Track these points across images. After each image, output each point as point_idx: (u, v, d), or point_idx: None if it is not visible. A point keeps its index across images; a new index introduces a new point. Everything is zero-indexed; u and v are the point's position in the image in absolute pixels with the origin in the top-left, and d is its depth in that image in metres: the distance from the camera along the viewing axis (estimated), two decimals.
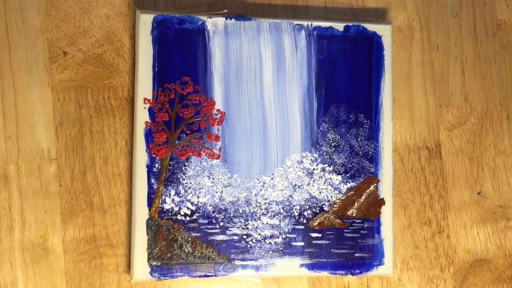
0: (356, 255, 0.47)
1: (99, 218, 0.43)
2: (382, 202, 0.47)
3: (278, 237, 0.46)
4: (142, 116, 0.45)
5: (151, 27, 0.45)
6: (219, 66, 0.45)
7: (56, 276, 0.42)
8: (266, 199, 0.46)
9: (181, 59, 0.45)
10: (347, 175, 0.48)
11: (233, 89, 0.45)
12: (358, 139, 0.48)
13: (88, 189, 0.43)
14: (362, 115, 0.47)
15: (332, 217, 0.47)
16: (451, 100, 0.42)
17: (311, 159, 0.47)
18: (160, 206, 0.44)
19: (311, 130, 0.47)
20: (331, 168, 0.47)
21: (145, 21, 0.45)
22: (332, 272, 0.46)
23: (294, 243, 0.47)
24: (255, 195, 0.46)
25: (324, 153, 0.47)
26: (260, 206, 0.46)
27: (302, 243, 0.47)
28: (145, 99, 0.45)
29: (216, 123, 0.46)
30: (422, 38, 0.42)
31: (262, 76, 0.46)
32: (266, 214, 0.46)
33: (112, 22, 0.45)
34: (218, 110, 0.46)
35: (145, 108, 0.45)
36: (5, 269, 0.41)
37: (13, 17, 0.42)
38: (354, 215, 0.47)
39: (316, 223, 0.47)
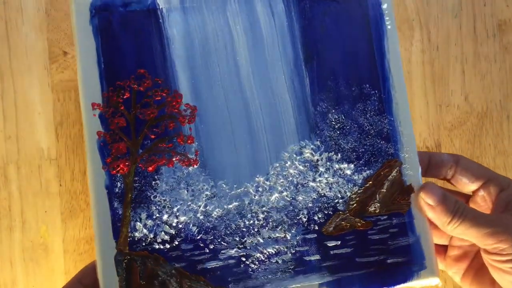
0: (389, 261, 0.47)
1: None
2: (410, 189, 0.48)
3: (286, 253, 0.46)
4: (92, 126, 0.44)
5: (89, 16, 0.47)
6: (180, 51, 0.46)
7: (56, 276, 0.48)
8: (263, 206, 0.46)
9: (132, 48, 0.46)
10: (361, 161, 0.48)
11: (201, 76, 0.42)
12: (367, 116, 0.48)
13: (88, 189, 0.47)
14: (368, 86, 0.48)
15: (351, 217, 0.47)
16: (451, 100, 0.49)
17: (312, 149, 0.48)
18: (130, 235, 0.44)
19: (306, 112, 0.47)
20: (339, 156, 0.48)
21: (81, 8, 0.46)
22: None
23: (307, 258, 0.46)
24: (249, 203, 0.46)
25: (328, 138, 0.48)
26: (257, 217, 0.46)
27: (317, 256, 0.46)
28: (93, 104, 0.45)
29: (186, 121, 0.46)
30: (422, 38, 0.50)
31: (235, 55, 0.46)
32: (266, 226, 0.46)
33: None
34: (187, 104, 0.46)
35: (94, 115, 0.45)
36: (5, 269, 0.48)
37: (13, 17, 0.49)
38: (377, 211, 0.48)
39: (332, 228, 0.47)
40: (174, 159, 0.42)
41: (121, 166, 0.42)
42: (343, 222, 0.43)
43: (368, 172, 0.44)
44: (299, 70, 0.44)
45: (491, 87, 0.51)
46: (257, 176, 0.43)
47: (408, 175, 0.44)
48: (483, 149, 0.51)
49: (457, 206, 0.42)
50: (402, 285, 0.43)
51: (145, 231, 0.42)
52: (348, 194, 0.44)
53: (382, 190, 0.44)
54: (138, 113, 0.42)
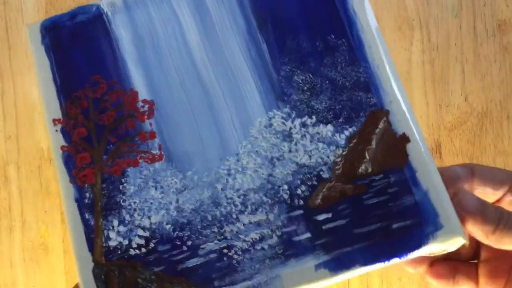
0: (395, 226, 0.40)
1: None
2: (405, 138, 0.41)
3: (271, 237, 0.41)
4: (56, 142, 0.44)
5: (40, 37, 0.48)
6: (130, 48, 0.45)
7: (56, 276, 0.49)
8: (238, 190, 0.42)
9: (84, 58, 0.46)
10: (340, 120, 0.42)
11: (155, 70, 0.41)
12: (338, 68, 0.43)
13: None
14: (333, 36, 0.43)
15: (338, 184, 0.42)
16: (451, 100, 0.49)
17: (282, 117, 0.43)
18: (104, 245, 0.42)
19: (270, 81, 0.43)
20: (313, 119, 0.43)
21: (33, 32, 0.47)
22: (367, 263, 0.39)
23: (296, 238, 0.41)
24: (222, 189, 0.42)
25: (298, 103, 0.43)
26: (233, 203, 0.42)
27: (308, 235, 0.40)
28: (54, 120, 0.45)
29: (145, 117, 0.44)
30: (422, 38, 0.50)
31: (186, 40, 0.44)
32: (245, 211, 0.42)
33: None
34: (144, 100, 0.44)
35: (57, 130, 0.45)
36: (5, 269, 0.49)
37: (13, 17, 0.52)
38: (369, 170, 0.41)
39: (319, 200, 0.41)
40: (138, 158, 0.41)
41: (87, 175, 0.41)
42: (331, 191, 0.38)
43: (350, 130, 0.39)
44: (254, 38, 0.41)
45: (491, 87, 0.50)
46: (227, 158, 0.40)
47: (398, 124, 0.38)
48: (483, 149, 0.50)
49: (499, 213, 0.36)
50: (416, 252, 0.36)
51: (119, 238, 0.40)
52: (332, 158, 0.39)
53: (371, 146, 0.38)
54: (97, 119, 0.42)
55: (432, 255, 0.38)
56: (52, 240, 0.49)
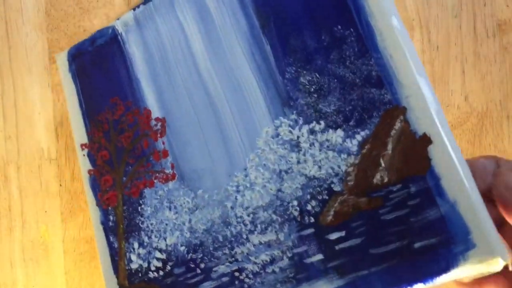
0: (416, 245, 0.33)
1: None
2: (425, 139, 0.34)
3: (282, 258, 0.37)
4: (84, 166, 0.46)
5: (68, 64, 0.49)
6: (142, 66, 0.44)
7: (56, 276, 0.49)
8: (247, 208, 0.39)
9: (104, 81, 0.46)
10: (351, 123, 0.36)
11: (164, 85, 0.40)
12: (347, 63, 0.37)
13: None
14: (339, 27, 0.37)
15: (351, 197, 0.36)
16: (451, 100, 0.49)
17: (289, 125, 0.38)
18: (127, 268, 0.42)
19: (275, 85, 0.39)
20: (322, 125, 0.37)
21: (61, 60, 0.49)
22: None
23: (308, 260, 0.36)
24: (232, 208, 0.39)
25: (305, 107, 0.38)
26: (243, 222, 0.39)
27: (320, 256, 0.36)
28: (81, 145, 0.47)
29: (158, 135, 0.43)
30: (422, 38, 0.50)
31: (191, 50, 0.41)
32: (255, 230, 0.38)
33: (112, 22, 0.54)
34: (157, 118, 0.43)
35: (84, 155, 0.47)
36: (5, 269, 0.49)
37: (13, 17, 0.52)
38: (385, 180, 0.35)
39: (330, 216, 0.36)
40: (153, 178, 0.40)
41: (110, 198, 0.41)
42: (343, 206, 0.33)
43: (363, 134, 0.34)
44: (257, 40, 0.38)
45: (491, 87, 0.50)
46: (235, 174, 0.37)
47: (418, 122, 0.32)
48: (483, 149, 0.50)
49: None
50: (444, 276, 0.30)
51: (139, 261, 0.40)
52: (343, 168, 0.34)
53: (386, 151, 0.33)
54: (116, 141, 0.42)
55: (472, 278, 0.32)
56: (52, 240, 0.49)
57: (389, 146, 0.32)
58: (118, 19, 0.44)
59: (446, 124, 0.32)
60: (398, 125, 0.32)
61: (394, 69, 0.33)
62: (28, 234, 0.49)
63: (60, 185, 0.49)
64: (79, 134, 0.44)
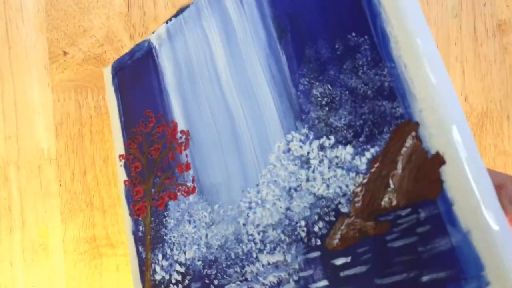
0: (425, 278, 0.29)
1: (99, 218, 0.50)
2: (438, 159, 0.29)
3: (288, 281, 0.34)
4: (121, 177, 0.48)
5: (111, 78, 0.51)
6: (171, 79, 0.44)
7: (56, 276, 0.50)
8: (258, 225, 0.37)
9: (140, 94, 0.47)
10: (361, 139, 0.33)
11: (190, 97, 0.40)
12: (360, 73, 0.33)
13: (88, 189, 0.51)
14: (354, 34, 0.34)
15: (358, 220, 0.32)
16: None
17: (300, 140, 0.35)
18: (152, 279, 0.43)
19: (288, 98, 0.36)
20: (332, 140, 0.34)
21: (106, 74, 0.51)
22: None
23: (313, 286, 0.33)
24: (244, 225, 0.37)
25: (316, 121, 0.35)
26: (253, 240, 0.37)
27: (325, 282, 0.32)
28: (120, 156, 0.48)
29: (183, 148, 0.43)
30: None
31: (214, 63, 0.40)
32: (264, 250, 0.36)
33: (112, 22, 0.53)
34: (182, 131, 0.43)
35: (121, 166, 0.48)
36: (5, 269, 0.50)
37: (13, 17, 0.52)
38: (394, 203, 0.30)
39: (337, 240, 0.33)
40: (176, 191, 0.40)
41: (140, 209, 0.43)
42: (350, 229, 0.31)
43: (372, 151, 0.31)
44: (274, 50, 0.36)
45: (491, 87, 0.51)
46: (248, 190, 0.36)
47: (432, 139, 0.28)
48: (483, 149, 0.52)
49: None
50: None
51: (162, 273, 0.40)
52: (351, 188, 0.31)
53: (396, 171, 0.30)
54: (148, 153, 0.43)
55: None
56: (52, 240, 0.50)
57: (399, 166, 0.29)
58: (153, 32, 0.44)
59: (470, 141, 0.28)
60: (409, 142, 0.29)
61: (408, 80, 0.30)
62: (28, 234, 0.50)
63: (60, 185, 0.51)
64: (117, 145, 0.46)
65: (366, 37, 0.32)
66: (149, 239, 0.41)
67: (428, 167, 0.28)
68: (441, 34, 0.50)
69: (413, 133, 0.29)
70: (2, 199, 0.51)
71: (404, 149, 0.29)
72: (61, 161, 0.51)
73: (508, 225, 0.27)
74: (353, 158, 0.31)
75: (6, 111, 0.52)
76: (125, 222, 0.44)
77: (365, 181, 0.31)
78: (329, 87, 0.33)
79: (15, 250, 0.51)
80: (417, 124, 0.29)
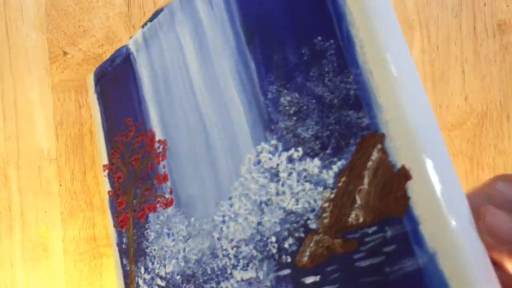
0: None
1: (99, 218, 0.50)
2: (404, 174, 0.27)
3: None
4: (106, 187, 0.48)
5: (94, 85, 0.50)
6: (148, 86, 0.43)
7: (56, 276, 0.49)
8: (231, 240, 0.35)
9: (121, 101, 0.46)
10: (327, 151, 0.31)
11: (165, 105, 0.39)
12: (326, 80, 0.31)
13: (88, 189, 0.51)
14: (320, 38, 0.31)
15: (326, 237, 0.30)
16: (451, 100, 0.50)
17: (270, 152, 0.34)
18: None
19: (257, 106, 0.34)
20: (300, 152, 0.32)
21: (89, 81, 0.50)
22: None
23: None
24: (218, 239, 0.36)
25: (284, 131, 0.33)
26: (228, 255, 0.35)
27: None
28: (104, 166, 0.48)
29: (160, 158, 0.42)
30: (422, 38, 0.51)
31: (188, 69, 0.38)
32: (238, 265, 0.35)
33: (112, 22, 0.53)
34: (159, 140, 0.42)
35: (105, 176, 0.47)
36: (5, 269, 0.50)
37: (13, 17, 0.52)
38: (360, 220, 0.28)
39: (306, 258, 0.31)
40: (156, 203, 0.40)
41: (123, 220, 0.42)
42: (318, 247, 0.30)
43: (339, 164, 0.29)
44: (243, 56, 0.35)
45: (491, 87, 0.51)
46: (221, 203, 0.35)
47: (398, 152, 0.27)
48: (483, 149, 0.51)
49: None
50: None
51: (145, 286, 0.40)
52: (319, 203, 0.30)
53: (363, 186, 0.28)
54: (129, 164, 0.42)
55: None
56: (52, 240, 0.50)
57: (365, 180, 0.28)
58: (130, 37, 0.43)
59: (441, 155, 0.26)
60: (375, 155, 0.27)
61: (374, 88, 0.28)
62: (28, 234, 0.50)
63: (60, 185, 0.50)
64: (102, 155, 0.45)
65: (332, 41, 0.30)
66: (132, 251, 0.41)
67: (394, 182, 0.26)
68: (441, 34, 0.50)
69: (379, 146, 0.27)
70: (2, 199, 0.51)
71: (370, 162, 0.28)
72: (61, 161, 0.52)
73: (480, 247, 0.25)
74: (320, 172, 0.30)
75: (6, 111, 0.52)
76: (110, 234, 0.43)
77: (332, 196, 0.29)
78: (297, 95, 0.31)
79: (15, 250, 0.51)
80: (383, 136, 0.27)
